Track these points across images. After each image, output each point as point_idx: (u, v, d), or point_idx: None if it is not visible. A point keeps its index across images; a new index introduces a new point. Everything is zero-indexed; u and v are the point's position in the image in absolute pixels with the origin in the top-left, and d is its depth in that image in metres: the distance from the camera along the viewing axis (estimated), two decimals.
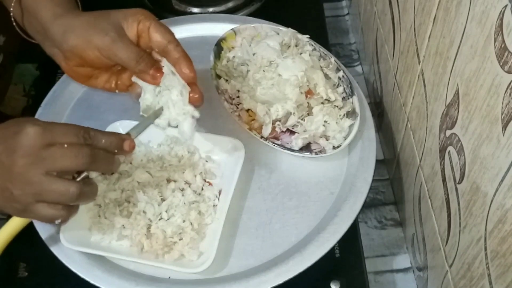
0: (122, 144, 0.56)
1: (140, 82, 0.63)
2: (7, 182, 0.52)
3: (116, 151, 0.56)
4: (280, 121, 0.71)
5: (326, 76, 0.74)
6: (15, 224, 0.56)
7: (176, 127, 0.63)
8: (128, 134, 0.58)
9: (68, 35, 0.59)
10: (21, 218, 0.56)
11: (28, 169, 0.51)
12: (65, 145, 0.51)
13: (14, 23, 0.65)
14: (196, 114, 0.62)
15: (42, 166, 0.51)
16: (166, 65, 0.60)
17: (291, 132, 0.72)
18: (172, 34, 0.61)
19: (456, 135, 0.55)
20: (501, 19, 0.43)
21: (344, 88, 0.75)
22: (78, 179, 0.54)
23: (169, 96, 0.61)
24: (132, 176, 0.66)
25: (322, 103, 0.72)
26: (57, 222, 0.55)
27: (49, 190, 0.52)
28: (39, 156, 0.51)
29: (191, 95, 0.61)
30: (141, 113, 0.63)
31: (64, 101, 0.77)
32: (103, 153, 0.54)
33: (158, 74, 0.60)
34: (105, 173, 0.63)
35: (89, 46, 0.59)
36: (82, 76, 0.63)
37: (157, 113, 0.62)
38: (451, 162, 0.57)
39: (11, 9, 0.64)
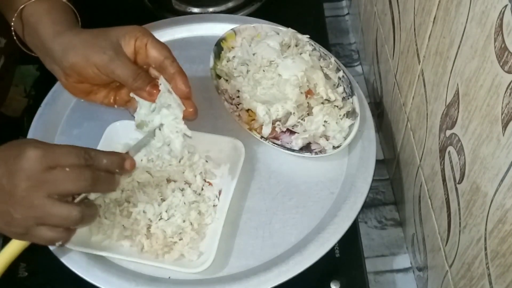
0: (123, 164, 0.56)
1: (136, 98, 0.63)
2: (8, 206, 0.52)
3: (117, 170, 0.56)
4: (280, 121, 0.71)
5: (326, 76, 0.74)
6: (15, 247, 0.56)
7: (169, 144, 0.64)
8: (127, 153, 0.59)
9: (67, 53, 0.60)
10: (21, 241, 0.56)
11: (30, 192, 0.51)
12: (67, 168, 0.51)
13: (14, 37, 0.65)
14: (189, 133, 0.62)
15: (44, 189, 0.51)
16: (163, 83, 0.61)
17: (291, 132, 0.72)
18: (168, 50, 0.62)
19: (456, 135, 0.55)
20: (501, 19, 0.43)
21: (344, 88, 0.74)
22: (77, 200, 0.54)
23: (164, 114, 0.62)
24: (132, 176, 0.66)
25: (322, 103, 0.72)
26: (57, 244, 0.55)
27: (51, 214, 0.52)
28: (41, 179, 0.51)
29: (185, 109, 0.61)
30: (135, 128, 0.64)
31: (64, 101, 0.77)
32: (104, 175, 0.54)
33: (155, 91, 0.61)
34: (106, 193, 0.62)
35: (88, 64, 0.60)
36: (81, 91, 0.64)
37: (154, 133, 0.63)
38: (451, 162, 0.57)
39: (12, 23, 0.64)
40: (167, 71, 0.61)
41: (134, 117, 0.64)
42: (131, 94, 0.63)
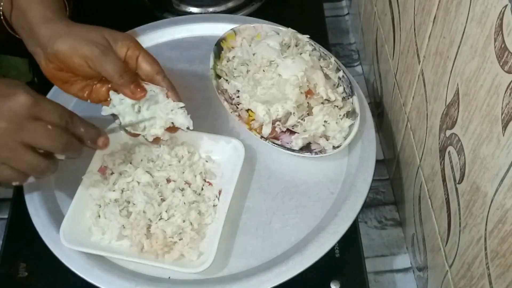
0: (97, 139, 0.59)
1: (115, 111, 0.64)
2: None
3: (89, 142, 0.58)
4: (280, 121, 0.71)
5: (326, 76, 0.74)
6: None
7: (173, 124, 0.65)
8: (105, 132, 0.60)
9: (55, 39, 0.61)
10: None
11: (8, 134, 0.52)
12: (49, 126, 0.53)
13: (2, 17, 0.66)
14: (181, 104, 0.64)
15: (21, 135, 0.53)
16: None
17: (291, 132, 0.72)
18: (159, 65, 0.64)
19: (456, 135, 0.55)
20: (501, 19, 0.43)
21: (344, 88, 0.74)
22: (42, 152, 0.55)
23: (154, 108, 0.64)
24: (132, 176, 0.66)
25: (322, 103, 0.72)
26: (14, 183, 0.56)
27: (21, 159, 0.54)
28: (22, 125, 0.53)
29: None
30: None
31: (64, 101, 0.76)
32: (76, 143, 0.57)
33: (139, 90, 0.62)
34: (68, 158, 0.64)
35: (76, 54, 0.61)
36: (58, 79, 0.65)
37: (135, 124, 0.64)
38: (451, 162, 0.57)
39: (1, 3, 0.65)
40: (158, 85, 0.63)
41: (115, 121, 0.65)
42: (111, 93, 0.64)
